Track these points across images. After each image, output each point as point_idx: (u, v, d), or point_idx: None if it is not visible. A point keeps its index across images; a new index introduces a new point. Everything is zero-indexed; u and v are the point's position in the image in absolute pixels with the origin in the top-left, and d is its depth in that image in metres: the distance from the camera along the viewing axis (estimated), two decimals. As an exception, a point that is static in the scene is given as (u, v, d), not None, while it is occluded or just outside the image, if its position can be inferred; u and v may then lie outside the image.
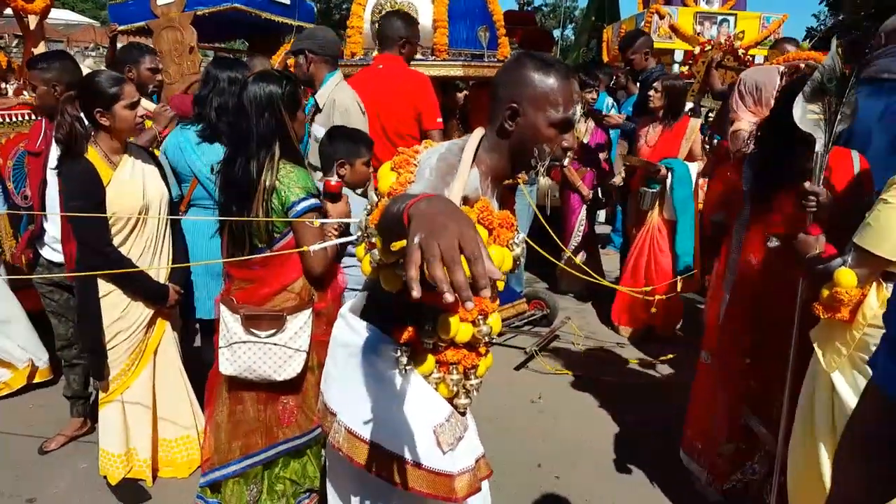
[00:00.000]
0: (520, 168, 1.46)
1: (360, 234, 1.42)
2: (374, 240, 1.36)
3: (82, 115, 2.27)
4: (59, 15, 15.52)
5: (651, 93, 3.96)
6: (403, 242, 1.02)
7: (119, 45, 4.76)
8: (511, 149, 1.41)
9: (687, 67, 5.32)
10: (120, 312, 2.37)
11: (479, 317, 1.43)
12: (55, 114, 2.72)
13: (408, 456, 1.43)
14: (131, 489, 2.61)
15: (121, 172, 2.33)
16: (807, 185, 1.95)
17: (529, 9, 27.10)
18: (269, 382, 2.12)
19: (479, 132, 1.44)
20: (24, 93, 4.72)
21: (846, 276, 1.72)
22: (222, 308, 2.13)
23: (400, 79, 3.30)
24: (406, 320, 1.43)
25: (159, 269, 2.46)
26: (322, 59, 3.23)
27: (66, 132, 2.21)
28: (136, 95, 2.36)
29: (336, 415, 1.53)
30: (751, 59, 4.82)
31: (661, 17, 7.43)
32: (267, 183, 1.99)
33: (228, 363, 2.10)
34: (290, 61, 4.07)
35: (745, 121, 2.97)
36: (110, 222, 2.29)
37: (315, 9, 7.47)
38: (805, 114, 1.93)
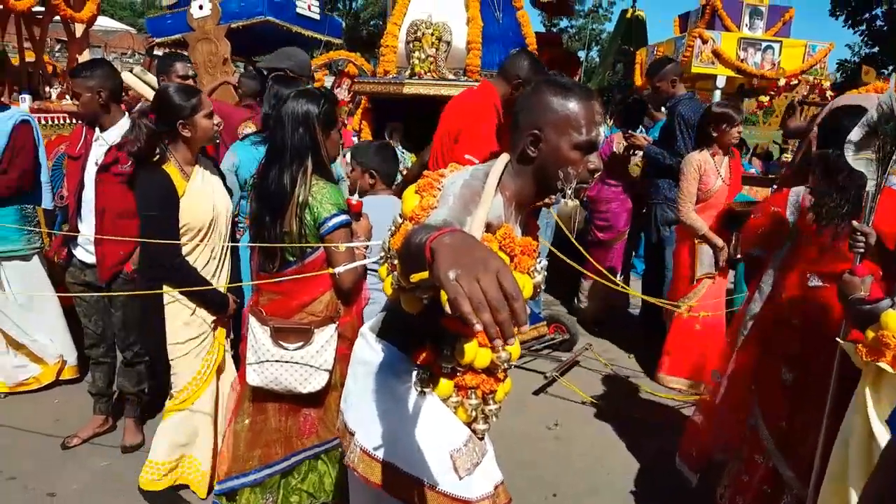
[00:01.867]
0: (545, 193, 1.45)
1: (383, 254, 1.44)
2: (395, 261, 1.38)
3: (158, 127, 2.29)
4: (98, 21, 15.92)
5: (735, 133, 3.68)
6: (424, 275, 1.02)
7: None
8: (535, 174, 1.41)
9: (767, 98, 5.21)
10: (187, 318, 2.38)
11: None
12: (97, 121, 2.81)
13: (425, 479, 1.42)
14: (167, 497, 2.59)
15: (193, 183, 2.36)
16: (855, 223, 1.91)
17: (555, 31, 27.31)
18: (294, 394, 2.15)
19: (503, 158, 1.43)
20: (67, 97, 4.87)
21: (894, 319, 1.68)
22: (251, 319, 2.17)
23: (465, 101, 3.20)
24: (425, 342, 1.44)
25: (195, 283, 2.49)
26: (298, 77, 3.31)
27: (143, 145, 2.23)
28: (212, 105, 2.42)
29: (353, 434, 1.53)
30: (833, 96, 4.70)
31: (704, 42, 7.10)
32: (300, 198, 2.04)
33: (256, 374, 2.14)
34: (319, 75, 4.16)
35: None
36: (181, 232, 2.31)
37: (343, 24, 7.62)
38: (857, 152, 1.90)
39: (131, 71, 3.68)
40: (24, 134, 3.25)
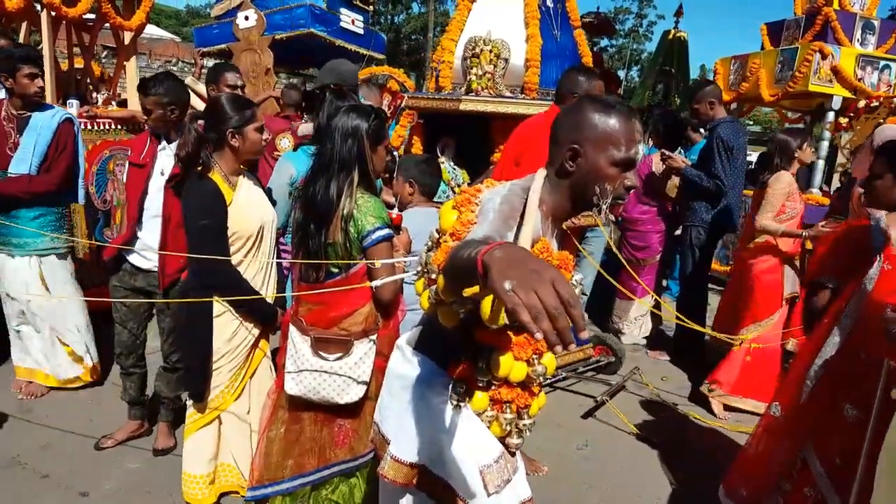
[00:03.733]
0: (581, 208, 1.46)
1: (420, 268, 1.44)
2: (434, 276, 1.38)
3: (207, 134, 2.31)
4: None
5: (806, 145, 3.75)
6: (476, 289, 1.04)
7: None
8: (572, 189, 1.41)
9: (847, 119, 4.99)
10: (230, 333, 2.39)
11: (534, 356, 1.42)
12: (168, 134, 2.85)
13: (452, 483, 1.43)
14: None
15: (239, 194, 2.37)
16: None
17: (596, 49, 27.38)
18: (330, 405, 2.15)
19: (541, 173, 1.44)
20: (113, 103, 4.99)
21: None
22: (291, 329, 2.17)
23: (531, 124, 3.12)
24: (461, 356, 1.44)
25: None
26: (343, 88, 3.28)
27: (191, 150, 2.26)
28: (263, 119, 2.45)
29: (389, 443, 1.54)
30: None
31: (824, 57, 6.25)
32: (345, 210, 2.05)
33: (294, 383, 2.14)
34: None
35: None
36: (230, 241, 2.32)
37: (385, 39, 7.71)
38: None
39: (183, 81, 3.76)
40: (68, 132, 3.39)
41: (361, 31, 6.42)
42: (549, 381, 3.56)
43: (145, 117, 2.90)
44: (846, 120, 4.92)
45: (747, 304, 3.89)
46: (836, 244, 2.42)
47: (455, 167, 3.84)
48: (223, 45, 6.05)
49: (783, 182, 3.72)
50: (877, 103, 4.30)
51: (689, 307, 4.30)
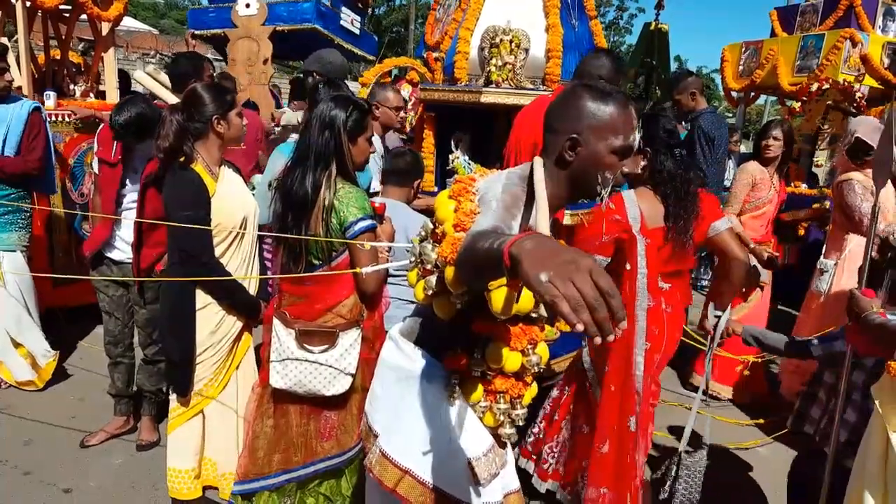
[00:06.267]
0: (578, 196, 1.46)
1: (413, 259, 1.44)
2: (429, 266, 1.38)
3: (190, 124, 2.28)
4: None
5: (771, 141, 3.81)
6: (503, 281, 1.03)
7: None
8: (571, 178, 1.41)
9: (799, 104, 4.95)
10: (214, 326, 2.36)
11: (528, 346, 1.43)
12: None
13: (437, 484, 1.44)
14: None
15: (222, 185, 2.35)
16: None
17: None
18: (317, 397, 2.14)
19: (539, 162, 1.43)
20: (91, 95, 4.92)
21: None
22: (275, 322, 2.16)
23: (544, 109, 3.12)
24: (456, 347, 1.44)
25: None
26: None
27: (172, 142, 2.22)
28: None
29: (378, 437, 1.54)
30: (865, 104, 4.48)
31: (855, 45, 5.82)
32: (326, 201, 2.03)
33: (279, 377, 2.13)
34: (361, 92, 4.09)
35: None
36: (214, 233, 2.29)
37: (376, 41, 7.69)
38: None
39: (144, 69, 3.71)
40: (38, 121, 3.39)
41: (358, 32, 6.41)
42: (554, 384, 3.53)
43: (103, 115, 2.89)
44: (798, 104, 4.88)
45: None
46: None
47: (470, 162, 3.75)
48: (218, 30, 5.97)
49: (745, 173, 3.85)
50: (827, 86, 4.29)
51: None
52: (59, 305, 4.16)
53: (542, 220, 1.28)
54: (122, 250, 2.93)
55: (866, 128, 3.39)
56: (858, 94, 4.21)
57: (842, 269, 3.52)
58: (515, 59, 3.59)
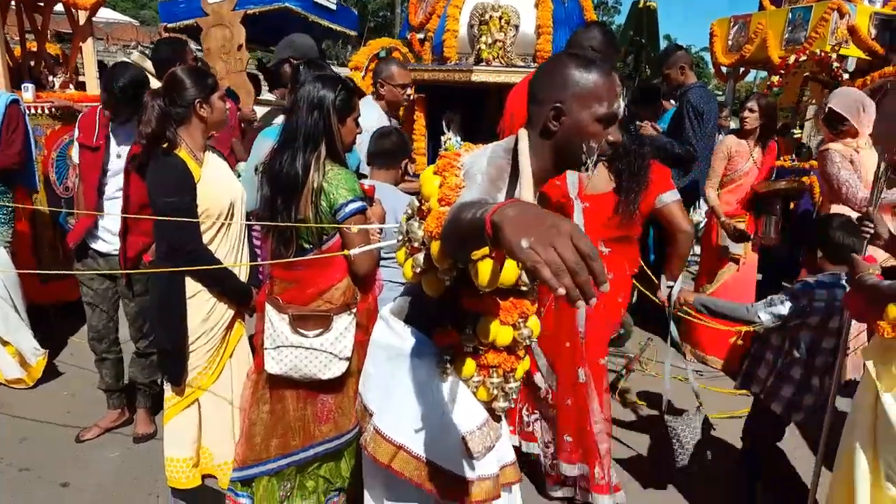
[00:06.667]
0: (564, 167, 1.45)
1: (400, 237, 1.42)
2: (416, 244, 1.36)
3: (172, 109, 2.23)
4: (99, 13, 15.88)
5: (746, 114, 3.86)
6: (485, 251, 1.02)
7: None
8: (556, 149, 1.39)
9: (778, 77, 4.94)
10: (205, 313, 2.33)
11: (520, 320, 1.43)
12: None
13: (431, 458, 1.44)
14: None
15: (207, 170, 2.30)
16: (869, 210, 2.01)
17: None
18: (313, 381, 2.13)
19: (524, 133, 1.42)
20: (70, 86, 4.83)
21: None
22: (268, 308, 2.13)
23: None
24: (447, 324, 1.44)
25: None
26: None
27: (155, 128, 2.18)
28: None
29: (372, 415, 1.54)
30: (842, 74, 4.48)
31: (842, 16, 5.70)
32: (315, 184, 2.00)
33: (274, 362, 2.11)
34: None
35: None
36: (201, 220, 2.25)
37: (356, 15, 7.54)
38: None
39: (129, 57, 3.65)
40: (16, 114, 3.32)
41: (334, 7, 6.26)
42: None
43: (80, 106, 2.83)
44: (777, 78, 4.85)
45: (700, 262, 4.20)
46: None
47: (462, 142, 3.73)
48: (191, 21, 5.85)
49: (722, 146, 3.96)
50: (804, 58, 4.27)
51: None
52: (47, 302, 4.11)
53: (525, 191, 1.28)
54: (107, 241, 2.88)
55: (840, 99, 3.43)
56: (836, 65, 4.19)
57: None
58: (505, 36, 3.54)
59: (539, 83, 1.42)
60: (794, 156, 4.87)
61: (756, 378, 2.53)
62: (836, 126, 3.39)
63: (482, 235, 0.96)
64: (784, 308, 2.36)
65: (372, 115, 3.47)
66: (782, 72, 4.70)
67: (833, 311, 2.32)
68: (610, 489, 2.52)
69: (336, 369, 2.13)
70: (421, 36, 4.64)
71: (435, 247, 1.25)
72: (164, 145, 2.23)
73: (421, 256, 1.36)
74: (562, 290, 0.82)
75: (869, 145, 3.33)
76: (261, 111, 4.51)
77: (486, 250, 1.04)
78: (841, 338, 2.29)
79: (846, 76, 4.29)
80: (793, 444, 3.05)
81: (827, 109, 3.42)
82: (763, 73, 6.44)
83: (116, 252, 2.78)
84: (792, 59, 4.42)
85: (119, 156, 2.78)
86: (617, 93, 1.37)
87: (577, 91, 1.34)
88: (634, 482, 2.87)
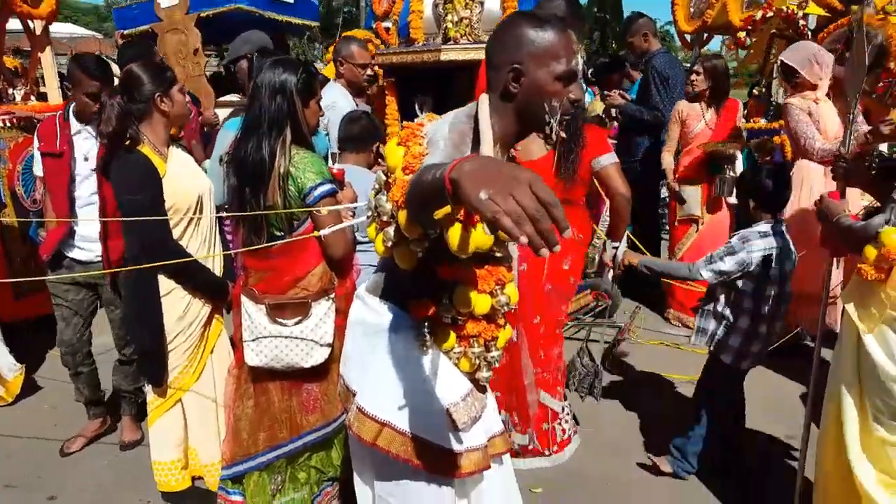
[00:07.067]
0: (528, 129, 1.44)
1: (370, 213, 1.40)
2: (385, 218, 1.34)
3: (132, 106, 2.20)
4: (63, 28, 15.66)
5: (693, 77, 3.93)
6: (447, 209, 1.01)
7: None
8: (518, 111, 1.38)
9: (744, 34, 4.93)
10: (181, 311, 2.29)
11: (497, 287, 1.41)
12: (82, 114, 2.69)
13: (416, 433, 1.42)
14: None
15: (172, 165, 2.25)
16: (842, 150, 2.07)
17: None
18: (296, 370, 2.10)
19: (485, 98, 1.41)
20: (32, 98, 4.73)
21: (894, 236, 1.70)
22: (244, 300, 2.10)
23: None
24: (423, 296, 1.42)
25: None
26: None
27: (116, 126, 2.14)
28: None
29: (355, 395, 1.52)
30: (807, 31, 4.48)
31: None
32: (282, 169, 1.97)
33: (254, 354, 2.08)
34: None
35: None
36: (169, 215, 2.21)
37: (318, 5, 7.41)
38: None
39: None
40: None
41: (291, 0, 6.15)
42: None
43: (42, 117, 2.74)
44: (743, 34, 4.85)
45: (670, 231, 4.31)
46: None
47: None
48: (146, 27, 5.74)
49: (675, 111, 4.07)
50: (771, 14, 4.30)
51: (644, 240, 4.37)
52: (21, 317, 4.02)
53: (485, 147, 1.27)
54: (85, 249, 2.78)
55: (791, 52, 3.51)
56: (802, 22, 4.21)
57: (797, 191, 3.53)
58: (471, 13, 3.53)
59: (495, 46, 1.40)
60: (763, 118, 4.90)
61: (707, 333, 2.57)
62: (790, 79, 3.48)
63: (443, 194, 0.95)
64: (724, 263, 2.40)
65: (343, 101, 3.44)
66: (750, 27, 4.68)
67: (771, 259, 2.38)
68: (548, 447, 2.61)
69: (318, 356, 2.10)
70: (387, 24, 4.60)
71: (402, 216, 1.23)
72: (127, 143, 2.19)
73: (391, 230, 1.34)
74: (524, 239, 0.81)
75: (829, 98, 3.40)
76: (223, 113, 4.45)
77: (447, 210, 1.02)
78: (784, 285, 2.41)
79: (810, 34, 4.31)
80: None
81: (780, 62, 3.52)
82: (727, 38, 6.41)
83: (98, 258, 2.68)
84: (759, 14, 4.41)
85: (86, 159, 2.71)
86: (574, 49, 1.35)
87: (532, 50, 1.33)
88: (621, 445, 2.90)
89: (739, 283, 2.43)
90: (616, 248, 2.64)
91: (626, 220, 2.66)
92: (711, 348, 2.55)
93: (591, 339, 3.74)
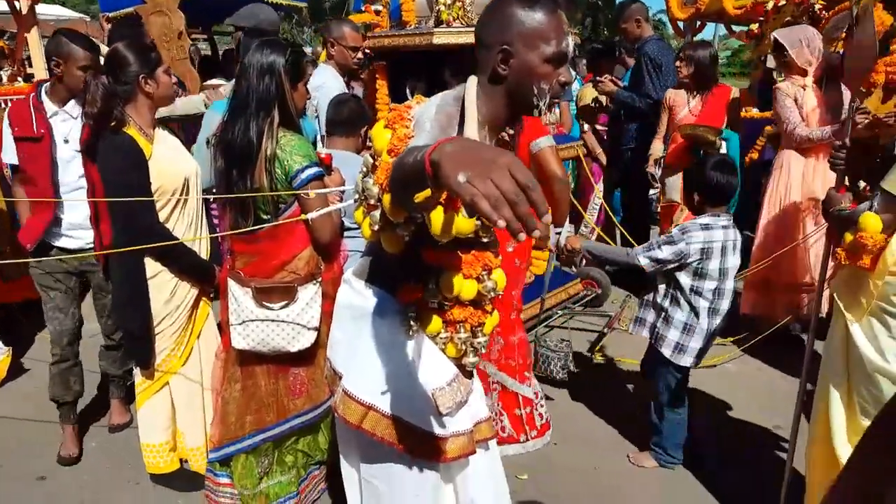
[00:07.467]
0: (518, 112, 1.42)
1: (357, 197, 1.40)
2: (372, 201, 1.34)
3: (117, 87, 2.17)
4: (50, 10, 15.39)
5: (677, 63, 3.93)
6: (428, 192, 1.00)
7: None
8: (507, 93, 1.36)
9: (757, 25, 4.87)
10: (168, 294, 2.28)
11: (483, 272, 1.41)
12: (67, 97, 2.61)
13: (401, 416, 1.42)
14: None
15: (158, 147, 2.23)
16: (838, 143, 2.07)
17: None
18: (282, 354, 2.11)
19: (473, 80, 1.39)
20: (19, 79, 4.68)
21: (871, 220, 1.71)
22: (230, 283, 2.10)
23: None
24: (410, 281, 1.42)
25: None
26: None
27: (101, 107, 2.11)
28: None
29: (341, 377, 1.53)
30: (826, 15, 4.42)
31: None
32: (268, 151, 1.96)
33: (241, 338, 2.08)
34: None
35: None
36: (155, 197, 2.19)
37: None
38: None
39: None
40: None
41: None
42: (543, 321, 3.50)
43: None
44: (756, 26, 4.80)
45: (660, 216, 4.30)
46: None
47: None
48: (130, 9, 5.65)
49: (662, 100, 4.08)
50: (783, 2, 4.25)
51: (634, 227, 4.39)
52: (10, 301, 4.00)
53: (469, 131, 1.26)
54: (74, 237, 2.66)
55: (786, 31, 3.54)
56: (818, 6, 4.13)
57: (777, 174, 3.57)
58: (464, -4, 3.49)
59: (484, 27, 1.39)
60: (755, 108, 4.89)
61: (645, 323, 2.55)
62: (779, 58, 3.52)
63: (424, 176, 0.94)
64: (661, 252, 2.38)
65: (332, 83, 3.40)
66: (761, 18, 4.62)
67: (711, 253, 2.35)
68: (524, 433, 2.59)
69: (305, 340, 2.10)
70: (377, 7, 4.55)
71: (386, 199, 1.22)
72: (113, 124, 2.17)
73: (378, 213, 1.33)
74: (502, 223, 0.80)
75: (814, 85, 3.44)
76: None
77: (427, 192, 1.01)
78: (724, 281, 2.39)
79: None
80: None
81: (772, 38, 3.54)
82: (721, 28, 6.36)
83: (88, 245, 2.60)
84: (770, 4, 4.35)
85: (67, 141, 2.61)
86: (564, 31, 1.34)
87: (522, 31, 1.31)
88: (611, 435, 2.92)
89: (678, 274, 2.40)
90: (559, 233, 2.58)
91: (565, 203, 2.61)
92: (651, 340, 2.53)
93: (580, 328, 3.78)
